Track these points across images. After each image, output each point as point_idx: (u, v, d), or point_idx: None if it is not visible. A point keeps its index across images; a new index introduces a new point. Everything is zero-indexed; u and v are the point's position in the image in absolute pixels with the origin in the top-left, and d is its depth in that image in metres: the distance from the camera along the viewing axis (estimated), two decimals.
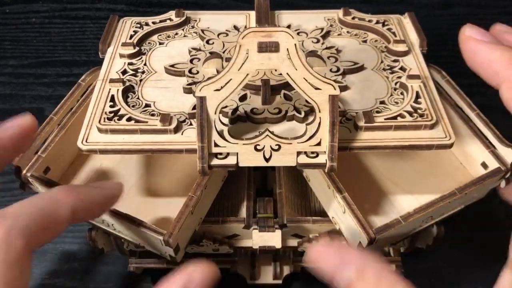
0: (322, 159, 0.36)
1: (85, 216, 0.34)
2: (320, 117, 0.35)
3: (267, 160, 0.36)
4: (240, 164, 0.37)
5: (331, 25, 0.48)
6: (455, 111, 0.46)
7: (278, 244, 0.44)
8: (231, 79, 0.34)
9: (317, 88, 0.34)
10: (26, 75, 0.73)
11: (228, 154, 0.36)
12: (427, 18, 0.78)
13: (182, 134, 0.37)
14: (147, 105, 0.39)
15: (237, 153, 0.36)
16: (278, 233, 0.44)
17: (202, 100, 0.34)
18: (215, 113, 0.35)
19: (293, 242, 0.47)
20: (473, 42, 0.32)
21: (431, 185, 0.45)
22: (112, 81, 0.41)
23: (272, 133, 0.36)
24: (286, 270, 0.51)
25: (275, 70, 0.41)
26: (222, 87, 0.34)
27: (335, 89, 0.34)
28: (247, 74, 0.34)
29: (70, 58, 0.76)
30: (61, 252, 0.56)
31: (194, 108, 0.38)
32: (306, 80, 0.34)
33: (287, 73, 0.34)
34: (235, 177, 0.50)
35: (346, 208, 0.40)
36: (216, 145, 0.36)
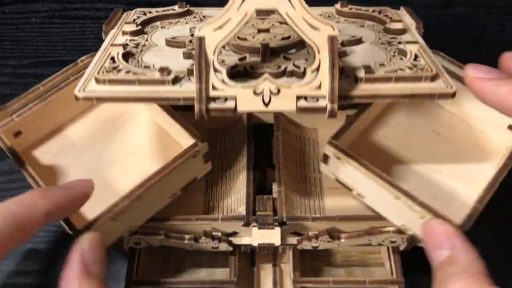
0: (322, 103, 0.36)
1: (58, 218, 0.36)
2: (319, 59, 0.35)
3: (266, 104, 0.36)
4: (239, 109, 0.36)
5: (329, 16, 0.48)
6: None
7: (277, 242, 0.44)
8: (230, 18, 0.34)
9: (315, 28, 0.34)
10: (26, 75, 0.73)
11: (226, 98, 0.36)
12: (427, 18, 0.78)
13: (180, 86, 0.37)
14: (146, 67, 0.39)
15: (236, 97, 0.36)
16: (277, 230, 0.44)
17: (201, 40, 0.34)
18: (214, 53, 0.35)
19: (293, 240, 0.47)
20: (479, 82, 0.33)
21: (470, 164, 0.46)
22: (113, 45, 0.41)
23: (271, 74, 0.36)
24: None
25: (274, 37, 0.41)
26: (221, 27, 0.34)
27: (333, 29, 0.34)
28: (246, 14, 0.34)
29: (70, 58, 0.76)
30: (60, 252, 0.55)
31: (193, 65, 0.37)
32: (305, 20, 0.34)
33: (285, 13, 0.34)
34: (234, 175, 0.50)
35: (425, 214, 0.39)
36: (214, 88, 0.36)
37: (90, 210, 0.40)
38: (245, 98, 0.36)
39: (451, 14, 0.79)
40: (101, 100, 0.37)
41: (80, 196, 0.37)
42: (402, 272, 0.49)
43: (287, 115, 0.53)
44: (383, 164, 0.46)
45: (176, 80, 0.37)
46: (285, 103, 0.36)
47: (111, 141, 0.48)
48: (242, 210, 0.46)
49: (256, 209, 0.46)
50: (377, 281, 0.47)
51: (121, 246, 0.47)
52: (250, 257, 0.52)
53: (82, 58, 0.49)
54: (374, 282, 0.47)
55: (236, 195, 0.49)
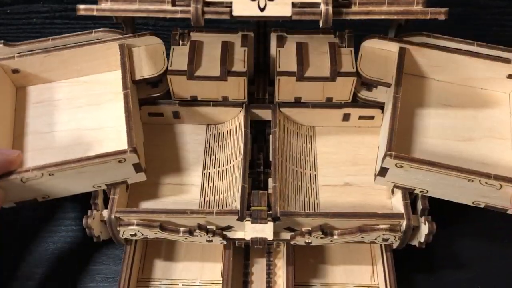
0: (317, 9, 0.36)
1: None
2: None
3: (261, 9, 0.36)
4: (234, 13, 0.37)
5: None
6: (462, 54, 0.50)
7: (269, 236, 0.45)
8: None
9: None
10: None
11: (223, 2, 0.37)
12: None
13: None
14: None
15: (232, 2, 0.36)
16: (270, 225, 0.45)
17: None
18: None
19: (286, 236, 0.48)
20: None
21: (488, 120, 0.50)
22: None
23: None
24: None
25: None
26: None
27: None
28: None
29: None
30: (60, 252, 0.56)
31: None
32: None
33: None
34: (230, 171, 0.51)
35: (503, 183, 0.42)
36: None
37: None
38: (241, 3, 0.36)
39: (451, 14, 0.79)
40: (102, 12, 0.39)
41: (4, 163, 0.42)
42: (394, 270, 0.49)
43: (284, 112, 0.54)
44: (423, 154, 0.47)
45: (175, 2, 0.39)
46: (280, 9, 0.37)
47: (88, 112, 0.50)
48: (236, 204, 0.47)
49: (251, 204, 0.47)
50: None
51: (116, 235, 0.48)
52: (245, 252, 0.53)
53: (97, 29, 0.51)
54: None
55: (231, 190, 0.50)
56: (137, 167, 0.45)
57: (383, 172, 0.45)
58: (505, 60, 0.49)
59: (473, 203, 0.46)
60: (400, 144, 0.45)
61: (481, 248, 0.57)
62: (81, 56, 0.50)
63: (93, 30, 0.52)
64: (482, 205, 0.46)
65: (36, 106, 0.51)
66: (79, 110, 0.50)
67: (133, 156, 0.43)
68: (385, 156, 0.43)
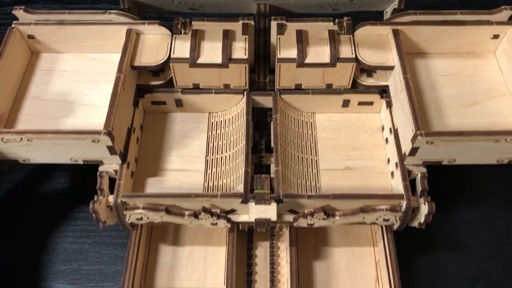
0: None
1: None
2: None
3: None
4: None
5: None
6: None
7: (273, 217, 0.46)
8: None
9: None
10: None
11: None
12: None
13: None
14: None
15: None
16: (273, 205, 0.46)
17: None
18: None
19: (289, 218, 0.49)
20: None
21: (489, 76, 0.54)
22: None
23: None
24: None
25: None
26: None
27: None
28: None
29: None
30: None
31: None
32: None
33: None
34: (234, 156, 0.52)
35: None
36: None
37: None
38: None
39: None
40: None
41: None
42: (395, 251, 0.50)
43: (285, 99, 0.55)
44: (443, 125, 0.50)
45: None
46: None
47: (87, 88, 0.53)
48: (240, 188, 0.48)
49: (254, 187, 0.48)
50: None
51: (123, 219, 0.48)
52: (248, 235, 0.54)
53: (111, 11, 0.54)
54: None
55: (234, 175, 0.50)
56: (111, 150, 0.47)
57: (413, 151, 0.47)
58: (488, 23, 0.53)
59: (497, 161, 0.49)
60: (421, 126, 0.47)
61: (478, 229, 0.58)
62: (91, 34, 0.53)
63: (107, 11, 0.54)
64: (505, 161, 0.49)
65: (42, 73, 0.55)
66: (79, 85, 0.53)
67: (106, 139, 0.45)
68: (415, 136, 0.45)
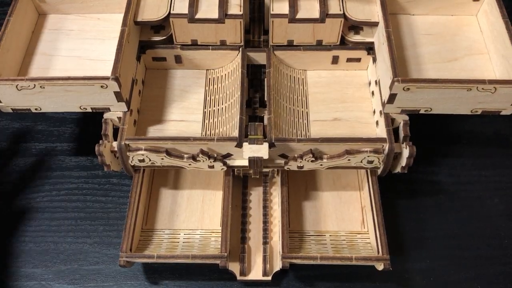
0: None
1: None
2: None
3: None
4: None
5: None
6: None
7: (265, 155, 0.50)
8: None
9: None
10: None
11: None
12: None
13: None
14: None
15: None
16: (265, 145, 0.50)
17: None
18: None
19: (280, 161, 0.53)
20: None
21: (470, 35, 0.58)
22: None
23: None
24: (276, 266, 0.53)
25: None
26: None
27: None
28: None
29: None
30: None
31: None
32: None
33: None
34: (229, 107, 0.56)
35: (497, 85, 0.48)
36: None
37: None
38: None
39: None
40: None
41: None
42: (379, 196, 0.54)
43: (278, 55, 0.58)
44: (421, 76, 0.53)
45: None
46: None
47: (93, 44, 0.57)
48: (235, 133, 0.51)
49: (248, 133, 0.52)
50: (363, 258, 0.50)
51: (126, 164, 0.52)
52: (243, 183, 0.58)
53: None
54: (361, 259, 0.50)
55: (230, 123, 0.54)
56: (118, 96, 0.50)
57: (391, 99, 0.50)
58: None
59: (471, 111, 0.52)
60: (400, 74, 0.50)
61: (459, 175, 0.62)
62: None
63: None
64: (479, 112, 0.52)
65: (50, 32, 0.58)
66: (85, 42, 0.57)
67: (114, 84, 0.49)
68: (393, 82, 0.49)
